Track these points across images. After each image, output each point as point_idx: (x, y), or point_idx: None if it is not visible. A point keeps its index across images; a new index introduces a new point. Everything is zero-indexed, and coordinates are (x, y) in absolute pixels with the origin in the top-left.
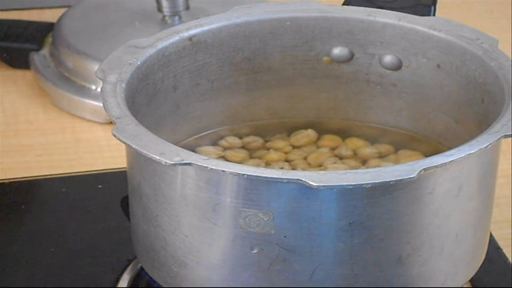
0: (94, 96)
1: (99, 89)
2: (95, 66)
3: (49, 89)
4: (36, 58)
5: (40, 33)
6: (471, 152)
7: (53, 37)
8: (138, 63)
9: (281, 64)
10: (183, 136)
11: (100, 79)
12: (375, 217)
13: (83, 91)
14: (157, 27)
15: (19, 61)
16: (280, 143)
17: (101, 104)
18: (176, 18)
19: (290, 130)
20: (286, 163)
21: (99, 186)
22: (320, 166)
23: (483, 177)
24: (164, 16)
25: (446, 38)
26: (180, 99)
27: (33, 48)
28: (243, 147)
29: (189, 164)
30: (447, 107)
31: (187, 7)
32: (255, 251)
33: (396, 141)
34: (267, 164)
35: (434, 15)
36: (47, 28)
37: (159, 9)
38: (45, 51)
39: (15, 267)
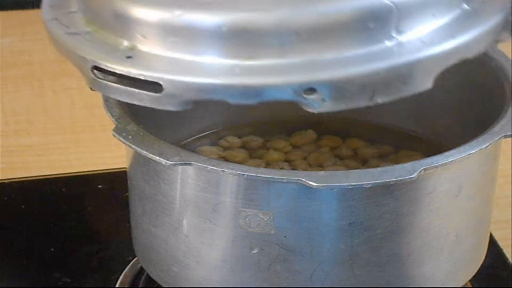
0: None
1: None
2: None
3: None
4: None
5: None
6: (471, 152)
7: None
8: None
9: None
10: (183, 136)
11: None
12: (375, 217)
13: None
14: None
15: None
16: (280, 143)
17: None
18: None
19: (290, 130)
20: (286, 163)
21: (99, 186)
22: (320, 166)
23: (483, 177)
24: None
25: None
26: None
27: None
28: (243, 147)
29: (189, 164)
30: (447, 107)
31: None
32: (255, 251)
33: (396, 141)
34: (267, 164)
35: None
36: None
37: None
38: None
39: (14, 267)
